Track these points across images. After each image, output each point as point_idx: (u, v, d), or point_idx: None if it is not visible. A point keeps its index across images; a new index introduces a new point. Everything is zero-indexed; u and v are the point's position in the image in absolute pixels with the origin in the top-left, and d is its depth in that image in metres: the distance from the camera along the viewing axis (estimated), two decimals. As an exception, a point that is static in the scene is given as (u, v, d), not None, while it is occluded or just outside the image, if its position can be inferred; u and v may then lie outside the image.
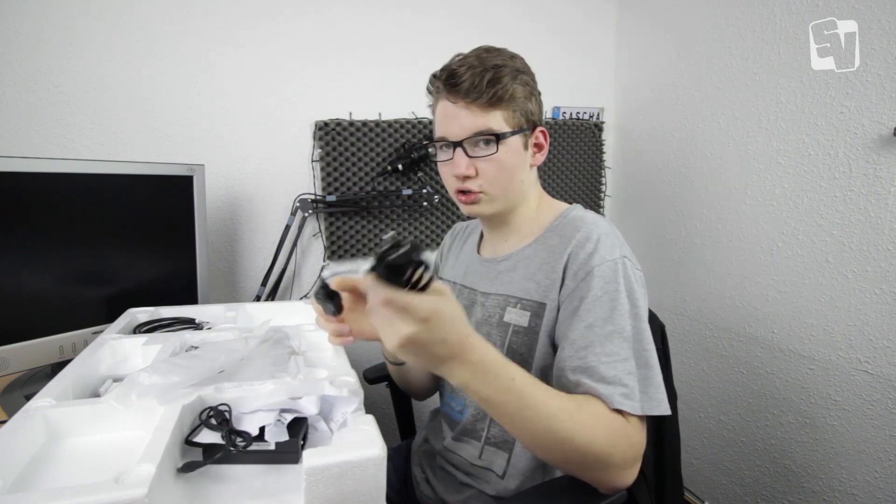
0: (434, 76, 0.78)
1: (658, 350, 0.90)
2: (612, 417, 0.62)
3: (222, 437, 0.50)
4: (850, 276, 1.19)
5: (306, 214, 1.39)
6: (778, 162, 1.32)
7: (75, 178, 0.95)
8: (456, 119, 0.75)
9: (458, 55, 0.77)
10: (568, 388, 0.65)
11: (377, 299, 0.46)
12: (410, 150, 1.47)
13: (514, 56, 0.78)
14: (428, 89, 0.80)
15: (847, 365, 1.21)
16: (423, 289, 0.47)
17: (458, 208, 1.60)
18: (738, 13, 1.38)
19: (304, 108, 1.41)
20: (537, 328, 0.73)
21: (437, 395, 1.00)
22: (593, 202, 1.86)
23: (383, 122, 1.47)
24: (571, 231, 0.74)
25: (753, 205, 1.39)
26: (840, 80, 1.17)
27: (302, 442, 0.54)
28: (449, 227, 1.60)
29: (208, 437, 0.51)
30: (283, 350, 0.69)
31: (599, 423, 0.61)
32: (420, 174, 1.52)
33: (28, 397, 0.63)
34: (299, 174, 1.43)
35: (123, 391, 0.55)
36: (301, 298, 1.46)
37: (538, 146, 0.81)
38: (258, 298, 1.35)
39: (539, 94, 0.80)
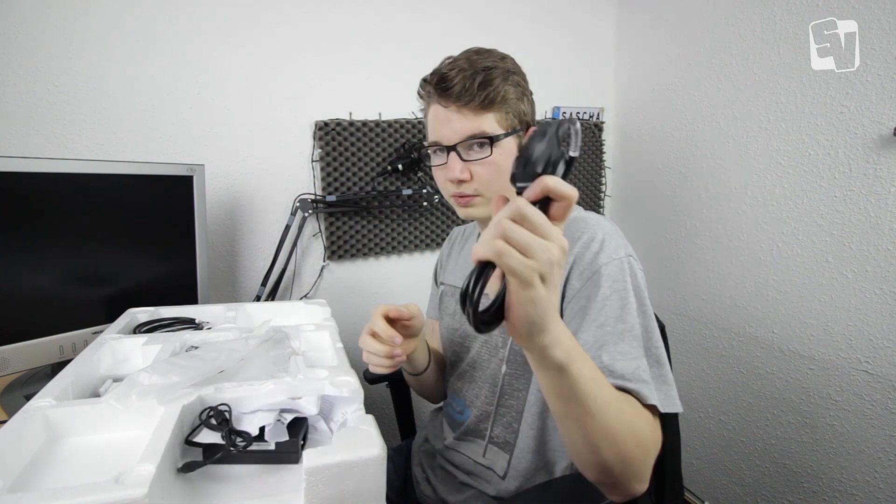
0: (424, 80, 0.77)
1: None
2: (645, 413, 0.60)
3: (222, 437, 0.50)
4: (850, 276, 1.19)
5: (306, 214, 1.39)
6: (778, 162, 1.32)
7: (75, 178, 0.94)
8: (448, 123, 0.74)
9: (448, 58, 0.77)
10: None
11: (535, 215, 0.40)
12: (410, 150, 1.47)
13: (504, 57, 0.77)
14: (419, 93, 0.79)
15: (847, 365, 1.21)
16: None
17: (458, 208, 1.61)
18: (738, 13, 1.38)
19: (304, 108, 1.41)
20: None
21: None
22: (593, 202, 1.86)
23: (383, 122, 1.47)
24: (574, 232, 0.74)
25: (753, 205, 1.39)
26: (840, 80, 1.17)
27: (302, 442, 0.54)
28: (449, 226, 1.60)
29: (208, 437, 0.51)
30: (283, 350, 0.69)
31: (641, 418, 0.59)
32: (420, 174, 1.52)
33: (28, 397, 0.63)
34: (299, 174, 1.43)
35: (123, 391, 0.55)
36: (301, 298, 1.46)
37: None
38: (258, 298, 1.35)
39: (531, 93, 0.80)
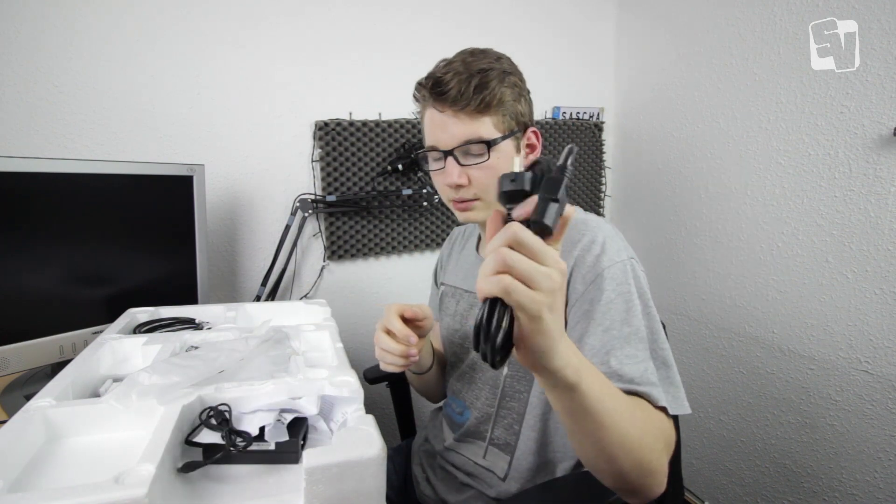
0: (420, 84, 0.76)
1: None
2: (657, 414, 0.60)
3: (222, 437, 0.50)
4: (850, 276, 1.19)
5: (306, 214, 1.39)
6: (778, 162, 1.32)
7: (75, 178, 0.94)
8: (445, 128, 0.73)
9: (443, 61, 0.76)
10: None
11: (531, 241, 0.39)
12: (410, 150, 1.47)
13: (500, 57, 0.76)
14: (414, 97, 0.78)
15: (847, 365, 1.21)
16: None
17: (458, 208, 1.61)
18: (738, 13, 1.38)
19: (304, 108, 1.41)
20: None
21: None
22: (593, 202, 1.86)
23: (383, 122, 1.47)
24: (575, 235, 0.73)
25: (753, 205, 1.39)
26: (840, 80, 1.17)
27: (302, 442, 0.54)
28: (449, 226, 1.60)
29: (208, 437, 0.51)
30: (283, 350, 0.69)
31: (653, 421, 0.59)
32: (420, 174, 1.52)
33: (28, 397, 0.63)
34: (299, 174, 1.43)
35: (123, 391, 0.55)
36: (301, 298, 1.46)
37: (531, 147, 0.80)
38: (258, 298, 1.35)
39: (528, 93, 0.79)
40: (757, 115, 1.36)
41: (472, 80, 0.71)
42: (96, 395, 0.64)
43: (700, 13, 1.50)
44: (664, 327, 0.91)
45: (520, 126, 0.76)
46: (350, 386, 0.58)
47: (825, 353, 1.25)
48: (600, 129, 1.82)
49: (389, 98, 1.48)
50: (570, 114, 1.75)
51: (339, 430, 0.54)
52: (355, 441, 0.47)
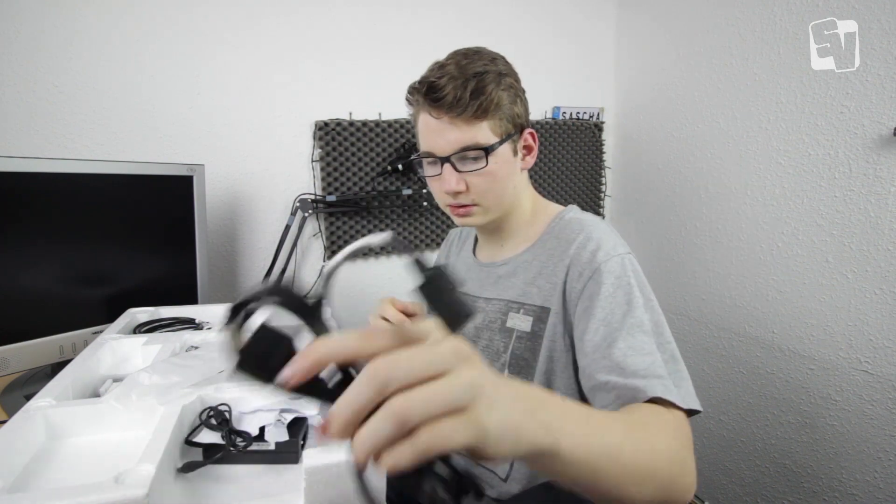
0: (413, 88, 0.74)
1: None
2: (667, 415, 0.56)
3: (222, 437, 0.50)
4: (850, 276, 1.19)
5: (306, 214, 1.39)
6: (778, 162, 1.32)
7: (75, 178, 0.94)
8: (441, 134, 0.71)
9: (436, 63, 0.73)
10: (598, 391, 0.61)
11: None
12: (410, 150, 1.47)
13: (494, 58, 0.74)
14: (407, 100, 0.76)
15: (847, 365, 1.21)
16: None
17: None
18: (738, 13, 1.38)
19: (304, 108, 1.41)
20: (541, 333, 0.73)
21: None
22: (593, 202, 1.86)
23: (383, 122, 1.47)
24: (570, 234, 0.72)
25: (753, 205, 1.39)
26: (840, 80, 1.16)
27: (302, 442, 0.54)
28: (449, 226, 1.60)
29: (208, 437, 0.51)
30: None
31: (665, 427, 0.55)
32: (420, 174, 1.52)
33: (28, 397, 0.63)
34: (299, 174, 1.43)
35: (123, 391, 0.55)
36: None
37: (527, 148, 0.79)
38: (258, 298, 1.34)
39: (523, 92, 0.77)
40: (757, 115, 1.36)
41: (469, 85, 0.68)
42: (96, 395, 0.64)
43: (700, 13, 1.49)
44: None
45: (516, 128, 0.75)
46: (350, 386, 0.58)
47: (825, 353, 1.25)
48: (600, 129, 1.82)
49: (389, 98, 1.48)
50: (570, 114, 1.75)
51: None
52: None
